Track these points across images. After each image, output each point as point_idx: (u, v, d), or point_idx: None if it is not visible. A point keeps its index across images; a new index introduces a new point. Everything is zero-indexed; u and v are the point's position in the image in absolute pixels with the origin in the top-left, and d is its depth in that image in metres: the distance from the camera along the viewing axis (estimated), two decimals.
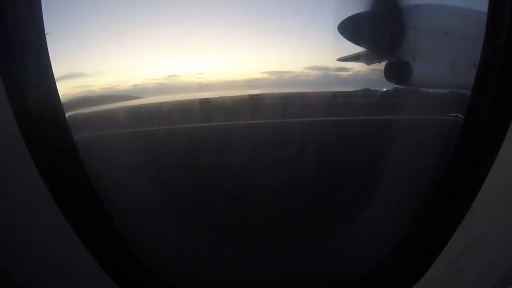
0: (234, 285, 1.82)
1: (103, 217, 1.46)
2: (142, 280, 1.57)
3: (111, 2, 1.98)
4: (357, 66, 2.34)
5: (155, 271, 1.61)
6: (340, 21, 2.15)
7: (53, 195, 1.24)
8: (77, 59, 1.86)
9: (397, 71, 2.41)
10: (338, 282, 1.72)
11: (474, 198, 1.30)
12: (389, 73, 2.40)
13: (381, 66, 2.41)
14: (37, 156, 1.20)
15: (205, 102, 2.33)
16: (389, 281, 1.55)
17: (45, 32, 1.23)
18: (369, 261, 1.68)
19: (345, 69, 2.34)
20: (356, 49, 2.27)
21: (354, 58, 2.31)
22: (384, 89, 2.48)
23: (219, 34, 2.03)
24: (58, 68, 1.27)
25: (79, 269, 1.37)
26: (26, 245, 1.26)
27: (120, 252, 1.50)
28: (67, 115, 1.35)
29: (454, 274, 1.36)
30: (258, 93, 2.39)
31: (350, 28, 2.17)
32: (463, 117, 1.45)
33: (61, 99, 1.31)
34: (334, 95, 2.49)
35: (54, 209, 1.25)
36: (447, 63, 2.31)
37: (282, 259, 1.91)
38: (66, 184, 1.30)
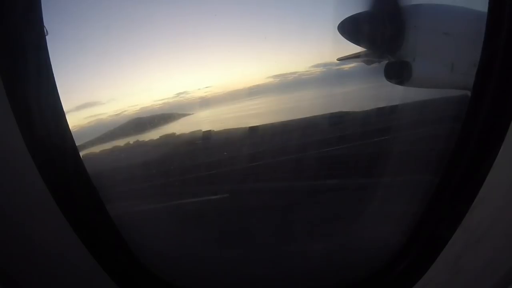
0: (234, 285, 1.82)
1: (103, 217, 1.45)
2: (142, 280, 1.57)
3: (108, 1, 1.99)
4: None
5: (155, 271, 1.61)
6: (340, 21, 2.15)
7: (53, 195, 1.24)
8: (77, 59, 1.86)
9: (397, 71, 2.41)
10: (338, 282, 1.72)
11: (474, 198, 1.30)
12: (389, 73, 2.40)
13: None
14: (37, 156, 1.20)
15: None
16: (389, 281, 1.55)
17: (45, 32, 1.23)
18: (369, 261, 1.68)
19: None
20: (356, 49, 2.28)
21: (354, 58, 2.31)
22: (384, 89, 2.48)
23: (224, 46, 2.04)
24: (58, 68, 1.27)
25: (79, 269, 1.37)
26: (26, 245, 1.26)
27: (120, 252, 1.50)
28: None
29: (454, 274, 1.36)
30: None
31: (350, 28, 2.17)
32: (463, 117, 1.45)
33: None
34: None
35: (54, 209, 1.25)
36: (447, 63, 2.31)
37: (283, 259, 1.92)
38: (66, 184, 1.30)
